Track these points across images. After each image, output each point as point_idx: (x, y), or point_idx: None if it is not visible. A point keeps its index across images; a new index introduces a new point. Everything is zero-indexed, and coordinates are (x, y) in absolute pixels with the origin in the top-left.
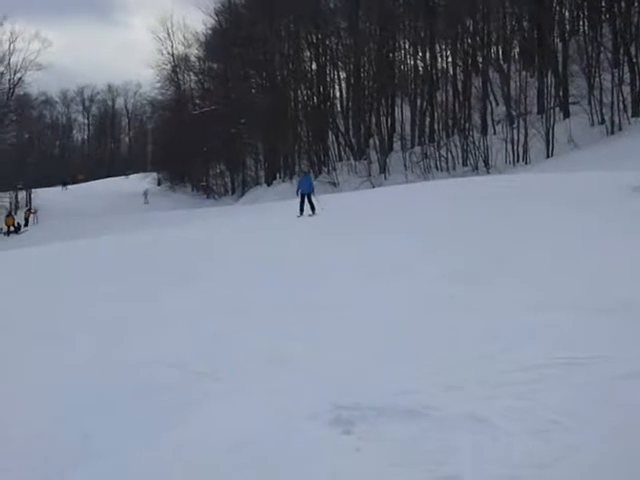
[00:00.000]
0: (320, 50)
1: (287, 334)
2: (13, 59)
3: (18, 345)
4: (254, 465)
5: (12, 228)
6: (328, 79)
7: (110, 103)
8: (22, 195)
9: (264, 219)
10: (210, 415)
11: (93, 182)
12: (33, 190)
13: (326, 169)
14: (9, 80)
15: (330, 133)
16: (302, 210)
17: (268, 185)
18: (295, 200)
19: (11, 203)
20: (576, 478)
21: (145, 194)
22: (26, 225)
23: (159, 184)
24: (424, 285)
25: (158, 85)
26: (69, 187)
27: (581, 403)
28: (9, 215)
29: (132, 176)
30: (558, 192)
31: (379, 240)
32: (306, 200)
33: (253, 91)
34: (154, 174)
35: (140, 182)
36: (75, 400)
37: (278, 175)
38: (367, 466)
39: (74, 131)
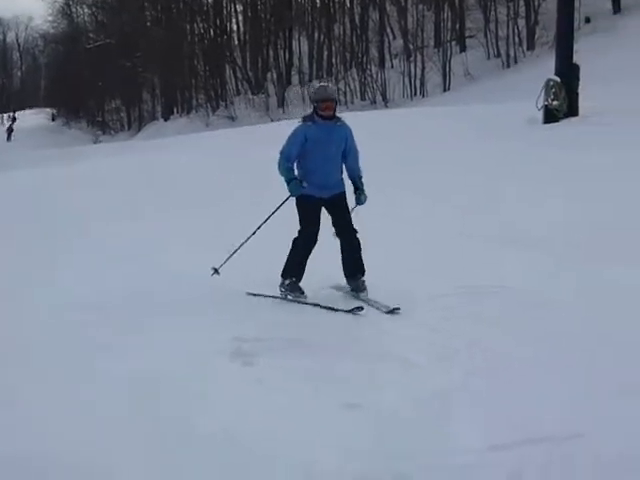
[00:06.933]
0: None
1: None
2: None
3: None
4: (156, 399)
5: None
6: (225, 12)
7: (0, 37)
8: None
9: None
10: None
11: None
12: None
13: (224, 103)
14: None
15: (227, 67)
16: (302, 268)
17: (165, 120)
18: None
19: None
20: (475, 405)
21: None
22: None
23: (53, 120)
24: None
25: (50, 18)
26: None
27: (487, 333)
28: None
29: (27, 111)
30: (456, 125)
31: None
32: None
33: (148, 24)
34: (48, 110)
35: (35, 118)
36: None
37: (175, 110)
38: (266, 397)
39: None
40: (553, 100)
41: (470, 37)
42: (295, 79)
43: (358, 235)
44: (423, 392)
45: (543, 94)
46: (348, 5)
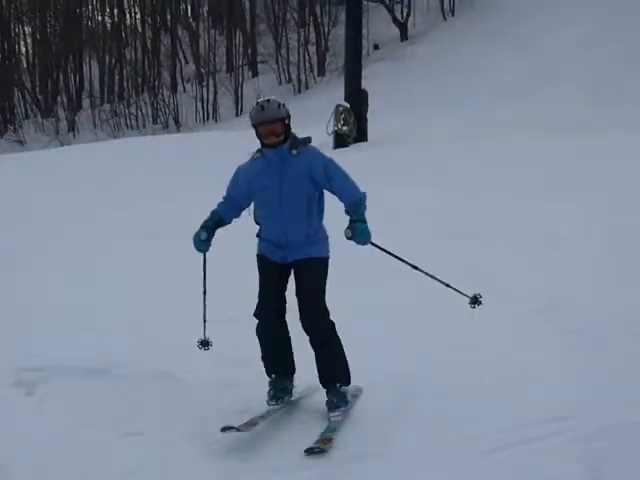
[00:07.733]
0: (3, 3)
1: None
2: None
3: None
4: None
5: None
6: (13, 34)
7: None
8: None
9: None
10: None
11: None
12: None
13: (12, 127)
14: None
15: (16, 90)
16: (272, 360)
17: None
18: None
19: None
20: (272, 430)
21: None
22: None
23: None
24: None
25: None
26: None
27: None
28: None
29: None
30: (248, 150)
31: None
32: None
33: None
34: None
35: None
36: None
37: None
38: (47, 426)
39: None
40: (343, 125)
41: (262, 62)
42: (86, 103)
43: (331, 317)
44: (208, 418)
45: (333, 119)
46: (139, 29)
